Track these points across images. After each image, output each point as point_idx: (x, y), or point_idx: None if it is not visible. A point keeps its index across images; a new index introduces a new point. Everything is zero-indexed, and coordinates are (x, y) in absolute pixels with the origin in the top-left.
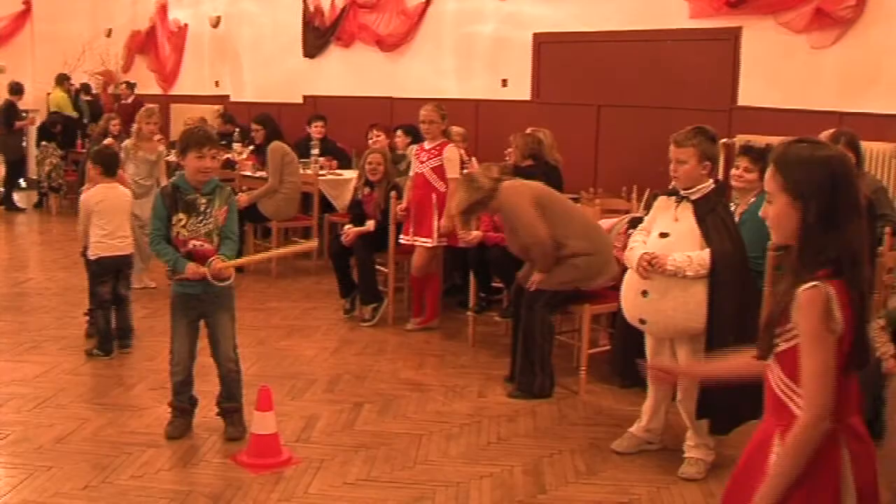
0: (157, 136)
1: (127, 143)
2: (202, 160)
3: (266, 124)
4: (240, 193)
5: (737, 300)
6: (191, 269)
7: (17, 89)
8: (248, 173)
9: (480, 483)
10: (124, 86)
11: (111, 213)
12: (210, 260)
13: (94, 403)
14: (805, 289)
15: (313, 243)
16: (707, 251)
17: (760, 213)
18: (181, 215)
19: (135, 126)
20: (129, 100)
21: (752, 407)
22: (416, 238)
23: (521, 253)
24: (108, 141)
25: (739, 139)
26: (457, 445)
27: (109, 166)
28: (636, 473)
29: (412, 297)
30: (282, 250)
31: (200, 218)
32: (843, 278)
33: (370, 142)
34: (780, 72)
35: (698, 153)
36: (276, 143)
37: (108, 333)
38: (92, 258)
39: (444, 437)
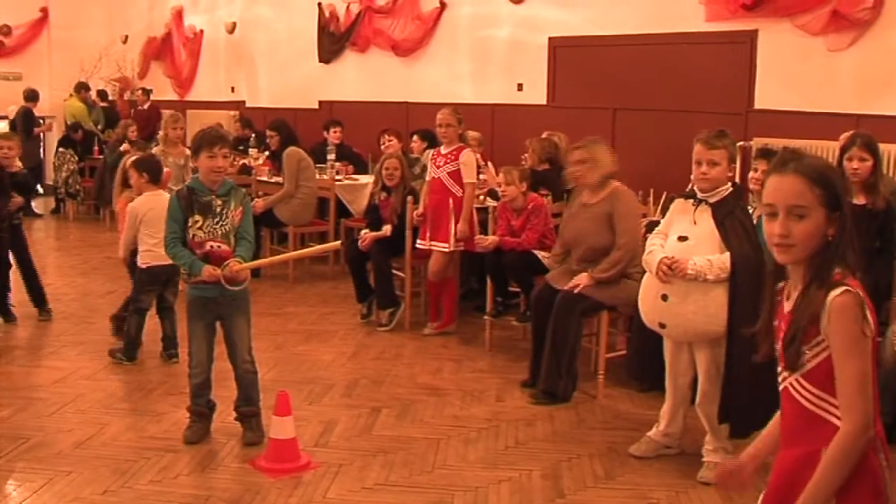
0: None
1: (156, 149)
2: (214, 160)
3: (281, 130)
4: (256, 199)
5: (756, 303)
6: (207, 271)
7: (32, 96)
8: (265, 178)
9: (499, 487)
10: (140, 92)
11: (160, 221)
12: (226, 262)
13: (114, 408)
14: (836, 295)
15: (336, 244)
16: (727, 255)
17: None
18: (197, 217)
19: (161, 132)
20: (146, 106)
21: (770, 409)
22: (433, 243)
23: (585, 252)
24: (124, 147)
25: (756, 142)
26: (475, 450)
27: (155, 174)
28: (655, 478)
29: (429, 302)
30: (305, 251)
31: (217, 219)
32: (856, 278)
33: (383, 147)
34: (796, 74)
35: (729, 155)
36: (291, 149)
37: (136, 340)
38: (143, 266)
39: (463, 441)
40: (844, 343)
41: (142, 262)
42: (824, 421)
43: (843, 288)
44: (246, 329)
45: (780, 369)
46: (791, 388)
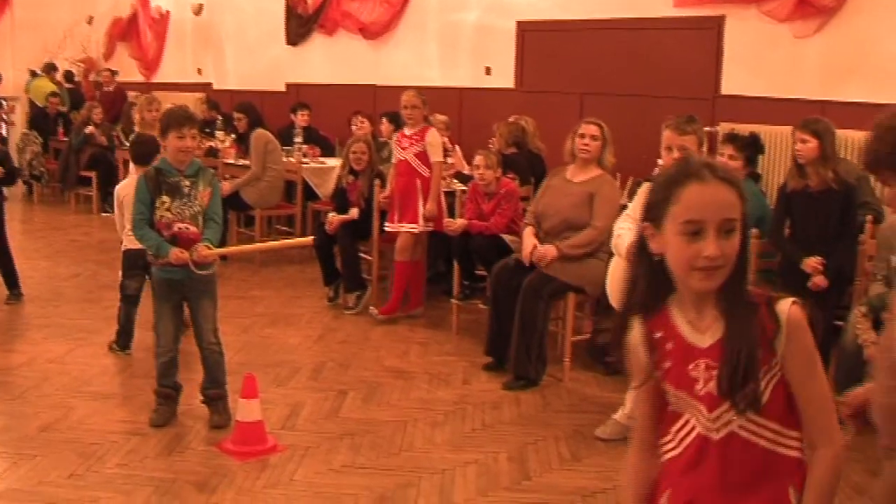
0: None
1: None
2: (182, 140)
3: (249, 112)
4: (223, 182)
5: None
6: (175, 254)
7: None
8: (231, 161)
9: (465, 470)
10: (106, 73)
11: None
12: (194, 247)
13: (79, 392)
14: (788, 308)
15: (308, 240)
16: None
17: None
18: (165, 198)
19: (136, 115)
20: (111, 88)
21: None
22: (401, 224)
23: (558, 224)
24: (89, 129)
25: (722, 127)
26: (441, 433)
27: (138, 155)
28: (620, 460)
29: (391, 283)
30: (275, 243)
31: (184, 200)
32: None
33: (354, 129)
34: (763, 60)
35: (698, 140)
36: (259, 131)
37: (127, 328)
38: (123, 250)
39: (429, 424)
40: (810, 360)
41: (123, 246)
42: (782, 457)
43: (790, 299)
44: (212, 310)
45: (704, 419)
46: (741, 432)
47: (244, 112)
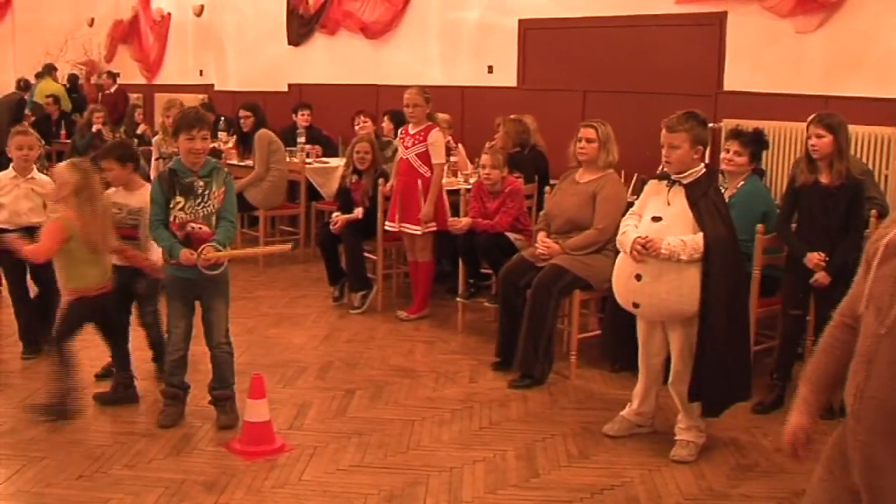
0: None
1: (156, 139)
2: (193, 142)
3: (255, 111)
4: None
5: (729, 283)
6: (184, 255)
7: (25, 85)
8: (234, 162)
9: (474, 468)
10: (107, 76)
11: None
12: (202, 248)
13: (86, 394)
14: None
15: (286, 247)
16: (701, 235)
17: None
18: (179, 198)
19: (159, 120)
20: (112, 90)
21: (742, 389)
22: (403, 225)
23: (563, 224)
24: (96, 127)
25: (726, 123)
26: (449, 431)
27: (121, 157)
28: (628, 456)
29: (415, 285)
30: (255, 250)
31: (198, 201)
32: None
33: (357, 128)
34: (765, 56)
35: (691, 138)
36: (263, 131)
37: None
38: None
39: (437, 422)
40: None
41: None
42: None
43: None
44: (224, 311)
45: None
46: None
47: (251, 111)
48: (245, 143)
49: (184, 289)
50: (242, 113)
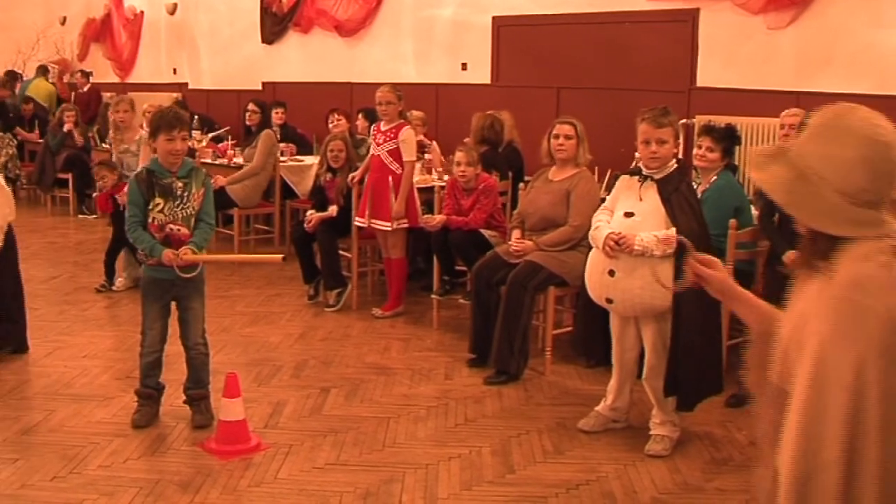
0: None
1: (109, 137)
2: (172, 143)
3: (264, 109)
4: (216, 175)
5: None
6: (166, 255)
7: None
8: (208, 160)
9: (449, 464)
10: (80, 74)
11: None
12: (180, 250)
13: (59, 394)
14: None
15: (277, 257)
16: (673, 230)
17: None
18: (159, 200)
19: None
20: (85, 89)
21: (715, 382)
22: (374, 221)
23: (538, 221)
24: (67, 127)
25: (699, 119)
26: (424, 428)
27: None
28: (603, 452)
29: (389, 282)
30: (244, 256)
31: (178, 202)
32: None
33: (331, 126)
34: (737, 52)
35: (675, 132)
36: (268, 131)
37: None
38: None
39: (412, 419)
40: None
41: None
42: None
43: None
44: (201, 311)
45: None
46: None
47: (261, 108)
48: (247, 137)
49: (161, 290)
50: (251, 107)
